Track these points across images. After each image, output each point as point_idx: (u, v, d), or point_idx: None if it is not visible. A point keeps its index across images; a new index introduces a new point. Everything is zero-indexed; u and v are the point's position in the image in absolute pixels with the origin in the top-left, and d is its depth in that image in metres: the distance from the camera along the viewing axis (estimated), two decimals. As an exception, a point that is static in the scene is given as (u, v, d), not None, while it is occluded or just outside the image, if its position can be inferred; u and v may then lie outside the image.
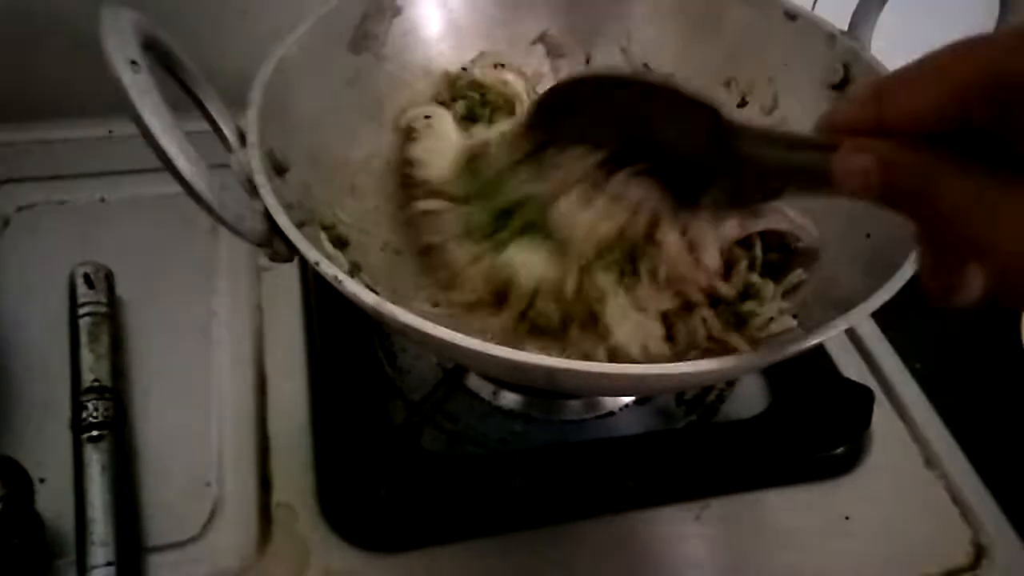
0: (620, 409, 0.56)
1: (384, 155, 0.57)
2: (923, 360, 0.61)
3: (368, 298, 0.37)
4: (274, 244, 0.42)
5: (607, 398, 0.56)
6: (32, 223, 0.63)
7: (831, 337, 0.38)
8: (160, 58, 0.42)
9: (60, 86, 0.69)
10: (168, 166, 0.36)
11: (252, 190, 0.41)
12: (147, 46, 0.38)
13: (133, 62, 0.35)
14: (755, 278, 0.49)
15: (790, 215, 0.49)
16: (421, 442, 0.51)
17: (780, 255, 0.52)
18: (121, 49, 0.35)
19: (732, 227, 0.47)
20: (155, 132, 0.35)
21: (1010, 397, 0.61)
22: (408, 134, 0.56)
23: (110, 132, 0.70)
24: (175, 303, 0.58)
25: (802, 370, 0.56)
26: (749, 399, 0.57)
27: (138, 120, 0.35)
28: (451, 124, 0.56)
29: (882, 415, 0.56)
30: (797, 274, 0.51)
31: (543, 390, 0.54)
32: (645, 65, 0.62)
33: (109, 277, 0.55)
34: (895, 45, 0.54)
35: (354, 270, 0.50)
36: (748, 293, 0.50)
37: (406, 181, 0.54)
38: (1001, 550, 0.51)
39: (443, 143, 0.55)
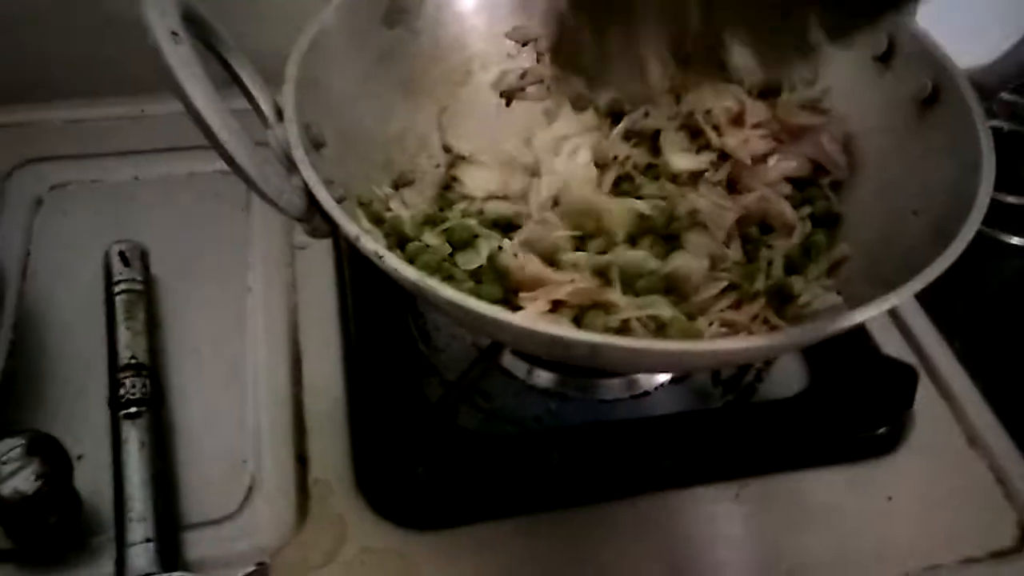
0: (656, 389, 0.56)
1: (417, 131, 0.56)
2: (963, 338, 0.60)
3: (410, 273, 0.37)
4: (313, 220, 0.41)
5: (642, 378, 0.56)
6: (65, 202, 0.63)
7: (875, 316, 0.38)
8: (198, 32, 0.41)
9: (92, 65, 0.69)
10: (210, 138, 0.35)
11: (290, 165, 0.41)
12: (187, 19, 0.38)
13: (174, 33, 0.35)
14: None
15: (826, 146, 0.53)
16: (457, 420, 0.51)
17: (823, 231, 0.52)
18: (162, 20, 0.35)
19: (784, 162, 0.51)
20: (198, 104, 0.34)
21: (1053, 377, 0.60)
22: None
23: (142, 111, 0.69)
24: (209, 281, 0.58)
25: (842, 349, 0.55)
26: (788, 378, 0.56)
27: (180, 92, 0.34)
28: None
29: (924, 394, 0.55)
30: (841, 250, 0.50)
31: (578, 368, 0.54)
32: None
33: (144, 255, 0.55)
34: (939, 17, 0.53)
35: (391, 246, 0.49)
36: (792, 268, 0.49)
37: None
38: (1047, 531, 0.51)
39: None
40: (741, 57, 0.42)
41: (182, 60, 0.35)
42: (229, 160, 0.36)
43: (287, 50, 0.46)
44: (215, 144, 0.36)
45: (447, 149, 0.58)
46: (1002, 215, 0.70)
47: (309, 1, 0.49)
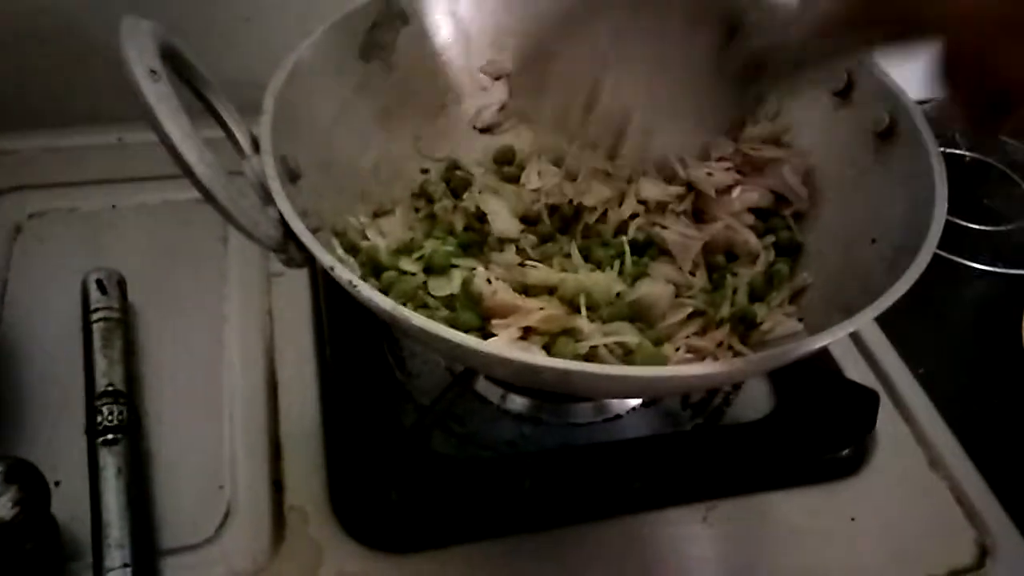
0: (627, 412, 0.57)
1: (393, 162, 0.58)
2: (925, 364, 0.62)
3: (383, 302, 0.38)
4: (288, 250, 0.42)
5: (614, 402, 0.57)
6: (43, 230, 0.63)
7: (837, 340, 0.39)
8: (175, 66, 0.42)
9: (70, 93, 0.70)
10: (187, 173, 0.36)
11: (266, 197, 0.42)
12: (164, 55, 0.39)
13: (152, 71, 0.36)
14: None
15: (787, 178, 0.54)
16: (431, 445, 0.52)
17: (786, 260, 0.54)
18: (141, 58, 0.36)
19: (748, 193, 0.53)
20: (175, 140, 0.35)
21: (1012, 399, 0.61)
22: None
23: (119, 139, 0.70)
24: (186, 309, 0.59)
25: (807, 373, 0.56)
26: (755, 402, 0.58)
27: (157, 128, 0.35)
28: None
29: (886, 417, 0.57)
30: (802, 278, 0.52)
31: (551, 393, 0.55)
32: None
33: (121, 283, 0.56)
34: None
35: (366, 275, 0.50)
36: (756, 295, 0.51)
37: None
38: (1005, 550, 0.52)
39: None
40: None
41: (160, 97, 0.36)
42: (206, 194, 0.37)
43: (264, 80, 0.47)
44: (192, 178, 0.37)
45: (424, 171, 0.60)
46: (965, 241, 0.73)
47: (286, 33, 0.50)
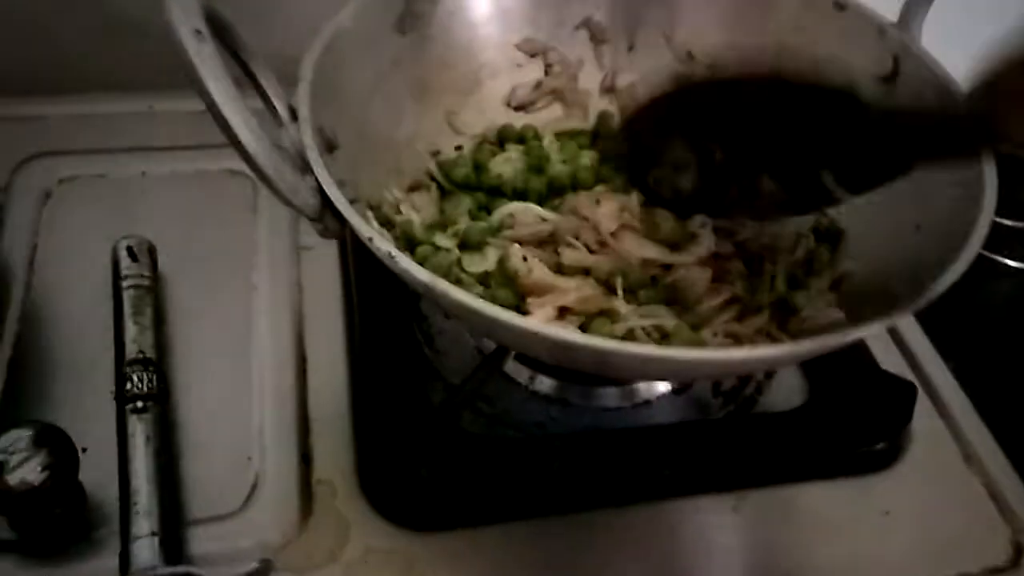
0: (657, 398, 0.56)
1: (427, 137, 0.57)
2: (958, 358, 0.61)
3: (422, 275, 0.37)
4: (325, 220, 0.42)
5: (643, 387, 0.56)
6: (73, 196, 0.63)
7: (876, 332, 0.38)
8: (216, 32, 0.42)
9: (102, 60, 0.69)
10: (229, 136, 0.36)
11: (303, 166, 0.41)
12: (207, 18, 0.38)
13: (198, 31, 0.35)
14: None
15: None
16: (460, 424, 0.51)
17: (826, 246, 0.53)
18: (186, 18, 0.35)
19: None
20: (219, 102, 0.35)
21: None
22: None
23: (150, 107, 0.70)
24: (215, 278, 0.58)
25: (842, 363, 0.55)
26: (787, 392, 0.57)
27: (202, 89, 0.35)
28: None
29: (921, 411, 0.56)
30: (843, 265, 0.51)
31: (580, 375, 0.54)
32: (688, 53, 0.61)
33: (152, 251, 0.55)
34: (944, 39, 0.53)
35: (400, 249, 0.50)
36: (795, 282, 0.50)
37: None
38: (1041, 549, 0.51)
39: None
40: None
41: (205, 58, 0.35)
42: (247, 158, 0.37)
43: (300, 53, 0.46)
44: (234, 142, 0.36)
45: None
46: (1000, 238, 0.71)
47: (324, 5, 0.49)
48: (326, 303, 0.58)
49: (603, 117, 0.61)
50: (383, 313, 0.56)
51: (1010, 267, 0.70)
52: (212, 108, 0.35)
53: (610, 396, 0.56)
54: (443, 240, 0.51)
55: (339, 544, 0.46)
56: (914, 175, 0.49)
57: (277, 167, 0.38)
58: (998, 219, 0.71)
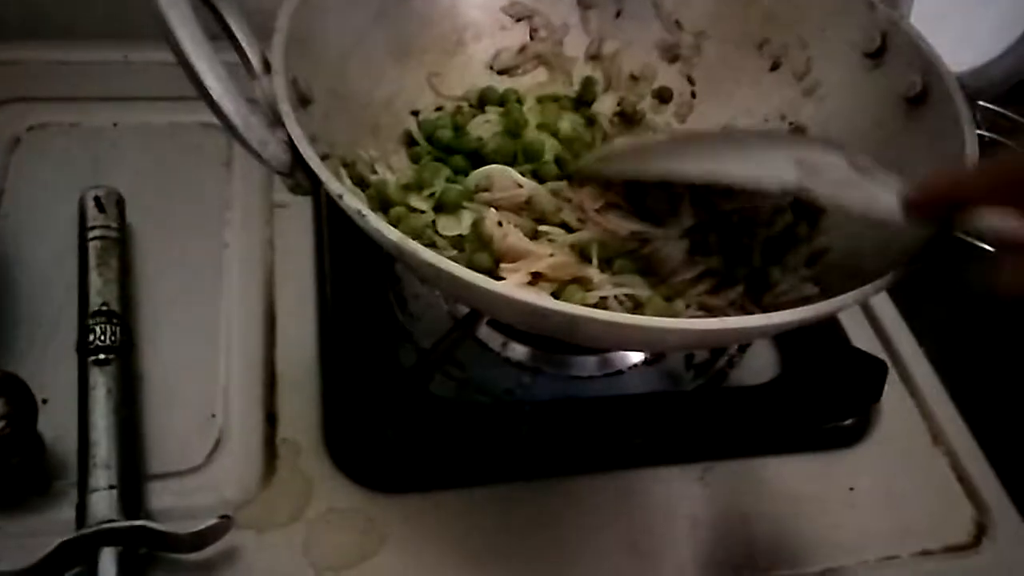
0: (628, 369, 0.56)
1: (406, 97, 0.56)
2: (929, 338, 0.61)
3: (392, 234, 0.36)
4: (295, 175, 0.41)
5: (616, 356, 0.56)
6: (43, 143, 0.62)
7: (850, 307, 0.38)
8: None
9: (78, 7, 0.68)
10: (197, 85, 0.35)
11: (275, 119, 0.40)
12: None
13: (167, -25, 0.34)
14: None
15: None
16: (430, 388, 0.51)
17: (804, 222, 0.52)
18: (157, -38, 0.34)
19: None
20: (187, 49, 0.34)
21: (1018, 379, 0.61)
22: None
23: (125, 56, 0.68)
24: (185, 233, 0.57)
25: (814, 339, 0.55)
26: (760, 366, 0.57)
27: (170, 37, 0.34)
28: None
29: (891, 389, 0.56)
30: (820, 241, 0.50)
31: (553, 343, 0.54)
32: (676, 22, 0.60)
33: (120, 202, 0.54)
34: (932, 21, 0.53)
35: (374, 209, 0.49)
36: (771, 257, 0.50)
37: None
38: (1002, 530, 0.52)
39: None
40: None
41: (173, 4, 0.34)
42: (215, 108, 0.36)
43: (277, 5, 0.45)
44: (201, 91, 0.35)
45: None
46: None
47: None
48: (298, 262, 0.58)
49: (587, 83, 0.60)
50: (356, 274, 0.55)
51: (986, 249, 0.70)
52: (180, 55, 0.34)
53: (582, 365, 0.56)
54: (418, 201, 0.50)
55: (302, 503, 0.46)
56: (898, 153, 0.49)
57: (246, 119, 0.37)
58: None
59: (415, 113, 0.57)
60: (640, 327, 0.37)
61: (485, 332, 0.56)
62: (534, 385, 0.54)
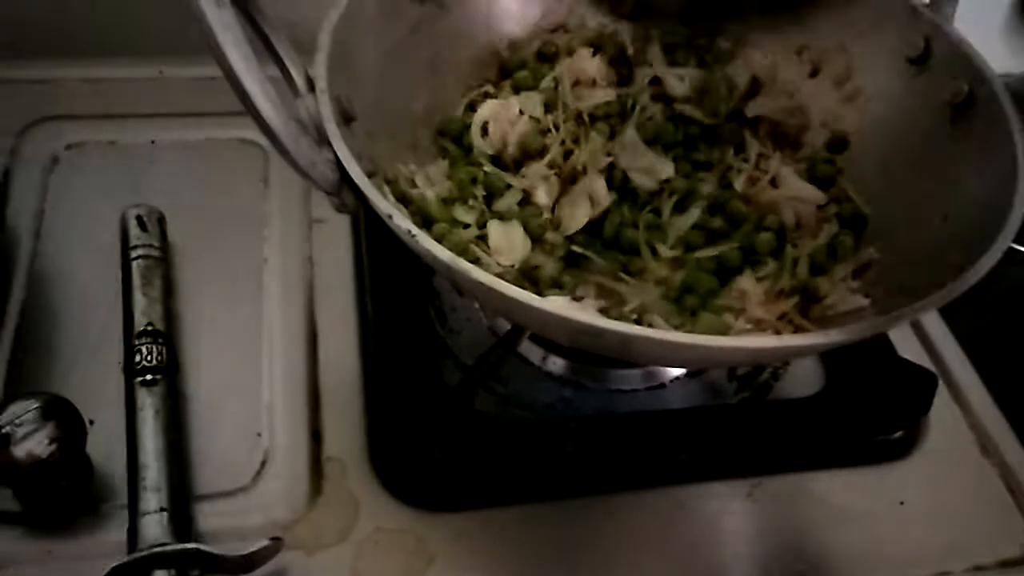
0: (670, 382, 0.56)
1: (443, 110, 0.56)
2: (979, 348, 0.60)
3: (442, 254, 0.36)
4: (343, 194, 0.41)
5: (658, 369, 0.55)
6: (81, 162, 0.62)
7: (908, 321, 0.37)
8: (235, -2, 0.40)
9: (112, 24, 0.68)
10: (248, 106, 0.35)
11: (320, 138, 0.40)
12: (225, -17, 0.37)
13: (217, -4, 0.34)
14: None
15: None
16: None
17: (849, 232, 0.51)
18: (206, -18, 0.34)
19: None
20: (238, 70, 0.34)
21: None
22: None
23: (161, 72, 0.68)
24: (225, 250, 0.58)
25: (859, 351, 0.54)
26: (804, 378, 0.56)
27: (220, 56, 0.33)
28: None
29: (939, 400, 0.55)
30: (867, 252, 0.50)
31: (593, 356, 0.53)
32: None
33: (161, 220, 0.54)
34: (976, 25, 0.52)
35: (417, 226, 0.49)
36: (817, 268, 0.49)
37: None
38: (1057, 544, 0.51)
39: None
40: None
41: (224, 24, 0.34)
42: (266, 129, 0.35)
43: (317, 23, 0.45)
44: (253, 112, 0.35)
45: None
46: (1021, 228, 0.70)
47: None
48: (338, 278, 0.58)
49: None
50: (396, 289, 0.55)
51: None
52: (231, 77, 0.34)
53: (623, 378, 0.55)
54: (463, 214, 0.50)
55: (349, 523, 0.46)
56: (945, 161, 0.48)
57: (295, 139, 0.37)
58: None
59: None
60: (695, 346, 0.36)
61: (525, 345, 0.55)
62: (575, 399, 0.54)
